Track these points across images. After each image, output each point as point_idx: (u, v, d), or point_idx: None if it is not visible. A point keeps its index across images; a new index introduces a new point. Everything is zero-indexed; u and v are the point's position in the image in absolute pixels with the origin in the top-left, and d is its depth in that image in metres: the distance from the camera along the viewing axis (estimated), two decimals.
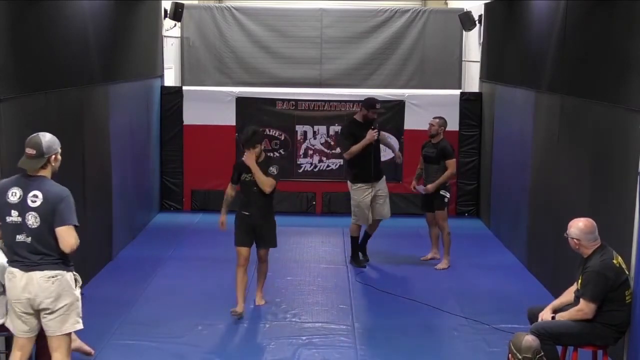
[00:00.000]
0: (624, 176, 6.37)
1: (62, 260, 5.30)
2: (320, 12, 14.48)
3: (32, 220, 5.19)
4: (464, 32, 13.35)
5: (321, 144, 12.20)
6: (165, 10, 12.24)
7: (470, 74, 13.59)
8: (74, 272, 5.39)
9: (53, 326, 5.32)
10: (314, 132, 12.17)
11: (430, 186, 9.24)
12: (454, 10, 14.28)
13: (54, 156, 5.29)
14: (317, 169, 12.26)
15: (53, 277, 5.25)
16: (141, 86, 10.97)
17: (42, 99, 7.24)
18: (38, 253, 5.22)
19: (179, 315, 7.63)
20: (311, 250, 10.34)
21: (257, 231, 7.77)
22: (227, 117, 12.04)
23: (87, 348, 6.38)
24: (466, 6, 13.50)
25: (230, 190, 7.83)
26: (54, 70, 7.56)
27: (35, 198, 5.19)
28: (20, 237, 5.22)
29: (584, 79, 7.63)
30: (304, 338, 7.21)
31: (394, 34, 14.36)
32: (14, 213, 5.20)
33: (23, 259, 5.24)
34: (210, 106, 12.05)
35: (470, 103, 12.13)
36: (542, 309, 6.10)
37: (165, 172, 12.21)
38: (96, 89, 8.86)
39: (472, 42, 13.33)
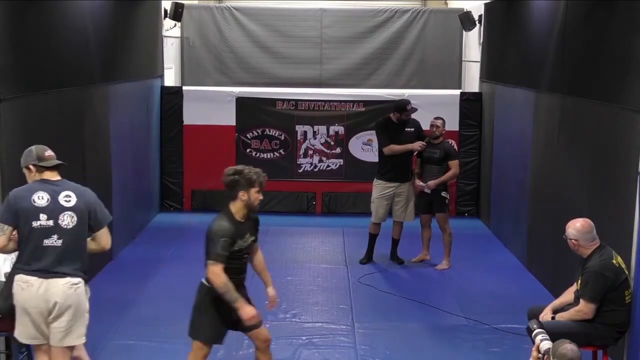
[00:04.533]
0: (624, 176, 6.37)
1: (84, 270, 5.20)
2: (320, 12, 14.47)
3: (69, 220, 5.10)
4: (464, 32, 13.35)
5: (321, 144, 12.19)
6: (165, 10, 12.24)
7: (470, 74, 13.58)
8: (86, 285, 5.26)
9: (60, 336, 5.13)
10: (314, 132, 12.17)
11: (431, 182, 9.13)
12: (454, 10, 14.28)
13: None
14: (317, 169, 12.25)
15: (76, 284, 5.12)
16: (141, 86, 10.97)
17: (42, 99, 7.24)
18: (65, 258, 5.07)
19: (179, 315, 7.54)
20: (311, 250, 10.34)
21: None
22: (227, 117, 12.05)
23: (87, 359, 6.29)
24: (466, 6, 13.50)
25: None
26: (54, 70, 7.56)
27: (69, 197, 5.13)
28: (48, 242, 5.05)
29: (584, 79, 7.62)
30: (304, 338, 7.21)
31: (394, 34, 14.35)
32: (43, 217, 5.04)
33: (46, 266, 5.04)
34: (210, 106, 12.05)
35: (470, 103, 12.13)
36: (542, 309, 6.09)
37: (165, 172, 12.21)
38: (96, 89, 8.86)
39: (472, 42, 13.32)
